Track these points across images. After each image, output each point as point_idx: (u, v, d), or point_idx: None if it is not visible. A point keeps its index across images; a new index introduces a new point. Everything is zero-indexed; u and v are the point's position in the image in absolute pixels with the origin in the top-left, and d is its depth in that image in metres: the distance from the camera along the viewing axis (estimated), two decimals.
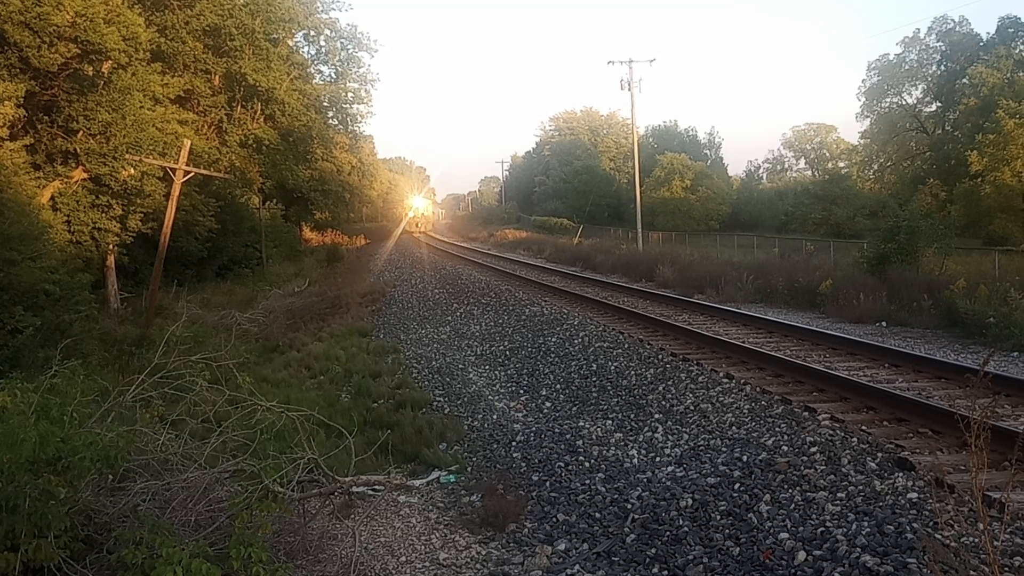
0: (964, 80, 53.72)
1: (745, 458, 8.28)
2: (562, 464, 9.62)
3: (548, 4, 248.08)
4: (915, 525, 6.18)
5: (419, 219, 79.69)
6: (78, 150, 22.66)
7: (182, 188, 22.88)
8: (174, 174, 22.15)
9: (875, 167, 69.03)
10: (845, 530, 6.41)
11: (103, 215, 23.64)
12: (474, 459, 10.47)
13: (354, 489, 8.29)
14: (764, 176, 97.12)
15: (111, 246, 24.52)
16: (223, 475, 6.98)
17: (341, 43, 45.87)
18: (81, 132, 22.60)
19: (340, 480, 7.84)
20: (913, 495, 6.67)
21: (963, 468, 6.94)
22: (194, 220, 29.36)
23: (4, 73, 20.13)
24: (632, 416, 10.90)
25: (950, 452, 7.52)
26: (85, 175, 23.17)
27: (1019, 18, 53.63)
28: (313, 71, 45.78)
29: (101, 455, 5.94)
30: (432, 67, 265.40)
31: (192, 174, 23.35)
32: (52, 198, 22.66)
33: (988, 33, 55.12)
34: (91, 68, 21.84)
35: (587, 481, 8.92)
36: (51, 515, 5.34)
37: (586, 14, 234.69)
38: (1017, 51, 52.71)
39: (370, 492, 8.77)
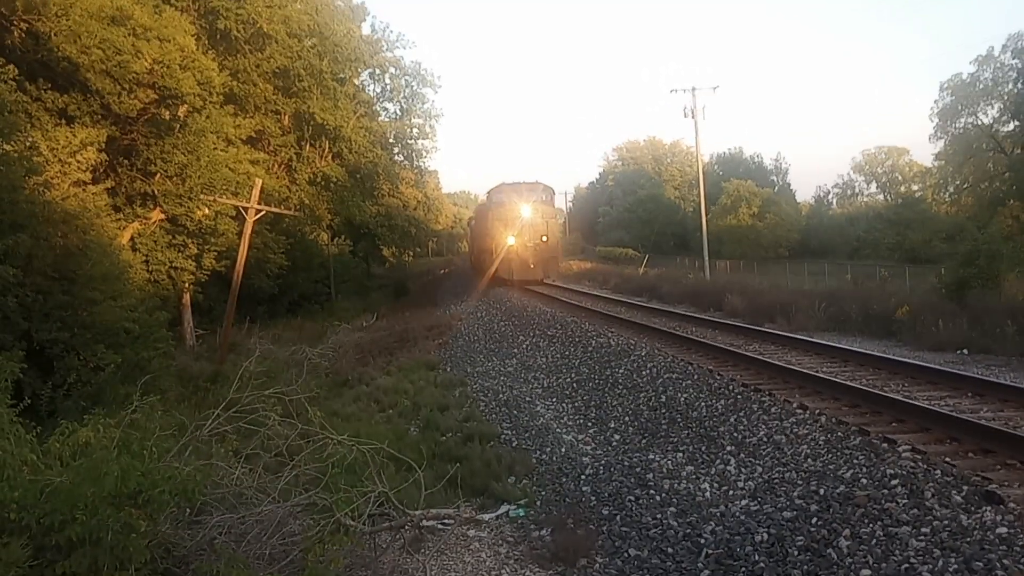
0: None
1: (822, 491, 8.05)
2: (632, 498, 9.48)
3: (609, 36, 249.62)
4: (1005, 561, 5.93)
5: (527, 247, 38.33)
6: (156, 192, 23.50)
7: (254, 226, 23.52)
8: (246, 213, 22.78)
9: (951, 189, 67.08)
10: (931, 567, 6.18)
11: (179, 254, 24.42)
12: (543, 493, 10.40)
13: (424, 523, 8.29)
14: (834, 201, 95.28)
15: (187, 284, 25.27)
16: (296, 509, 7.05)
17: (406, 80, 46.76)
18: (158, 174, 23.43)
19: (410, 514, 7.86)
20: (1003, 530, 6.40)
21: None
22: (265, 257, 30.12)
23: (87, 120, 21.04)
24: (703, 448, 10.71)
25: None
26: (162, 216, 23.99)
27: None
28: (379, 108, 46.76)
29: (179, 489, 6.06)
30: (495, 101, 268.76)
31: (263, 212, 23.99)
32: (131, 239, 23.49)
33: None
34: (168, 112, 22.68)
35: (658, 515, 8.77)
36: (132, 548, 5.45)
37: (649, 43, 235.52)
38: None
39: (440, 526, 8.76)
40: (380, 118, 45.88)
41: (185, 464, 6.92)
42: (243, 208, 23.02)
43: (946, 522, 6.76)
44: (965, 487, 7.26)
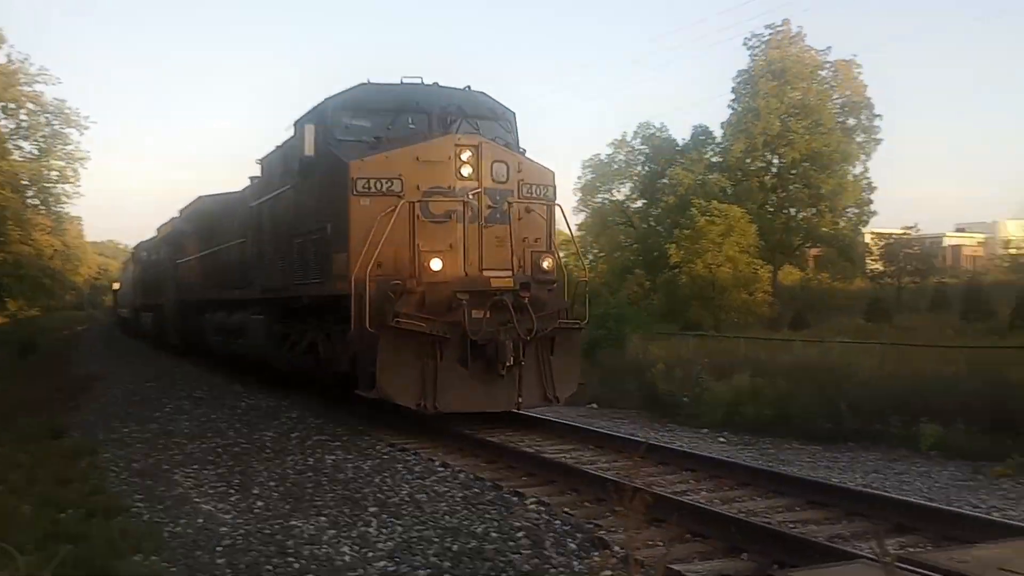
0: (664, 180, 59.75)
1: (456, 548, 8.26)
2: (270, 567, 9.04)
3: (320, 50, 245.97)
4: None
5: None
6: None
7: None
8: None
9: (591, 257, 74.21)
10: None
11: None
12: (173, 569, 9.60)
13: None
14: None
15: None
16: None
17: (46, 118, 42.65)
18: None
19: None
20: (608, 572, 6.96)
21: (650, 543, 7.38)
22: None
23: None
24: (347, 511, 10.56)
25: (642, 529, 7.97)
26: None
27: (708, 128, 61.04)
28: (11, 147, 42.06)
29: None
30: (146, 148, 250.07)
31: None
32: None
33: (684, 139, 62.01)
34: None
35: None
36: None
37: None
38: (707, 156, 59.72)
39: None
40: (12, 157, 41.28)
41: None
42: None
43: (561, 569, 7.23)
44: (579, 535, 7.85)
